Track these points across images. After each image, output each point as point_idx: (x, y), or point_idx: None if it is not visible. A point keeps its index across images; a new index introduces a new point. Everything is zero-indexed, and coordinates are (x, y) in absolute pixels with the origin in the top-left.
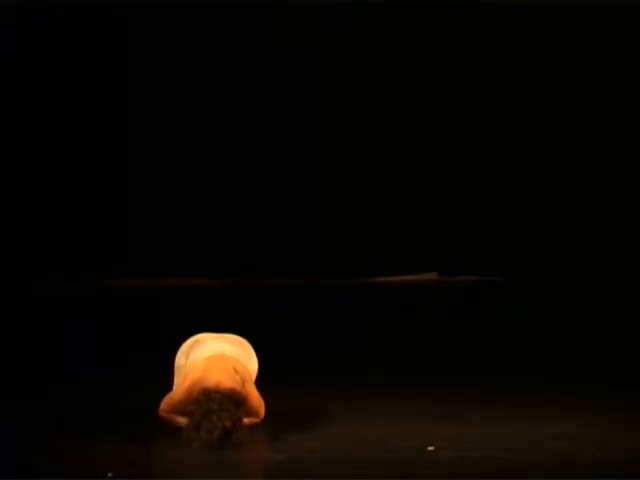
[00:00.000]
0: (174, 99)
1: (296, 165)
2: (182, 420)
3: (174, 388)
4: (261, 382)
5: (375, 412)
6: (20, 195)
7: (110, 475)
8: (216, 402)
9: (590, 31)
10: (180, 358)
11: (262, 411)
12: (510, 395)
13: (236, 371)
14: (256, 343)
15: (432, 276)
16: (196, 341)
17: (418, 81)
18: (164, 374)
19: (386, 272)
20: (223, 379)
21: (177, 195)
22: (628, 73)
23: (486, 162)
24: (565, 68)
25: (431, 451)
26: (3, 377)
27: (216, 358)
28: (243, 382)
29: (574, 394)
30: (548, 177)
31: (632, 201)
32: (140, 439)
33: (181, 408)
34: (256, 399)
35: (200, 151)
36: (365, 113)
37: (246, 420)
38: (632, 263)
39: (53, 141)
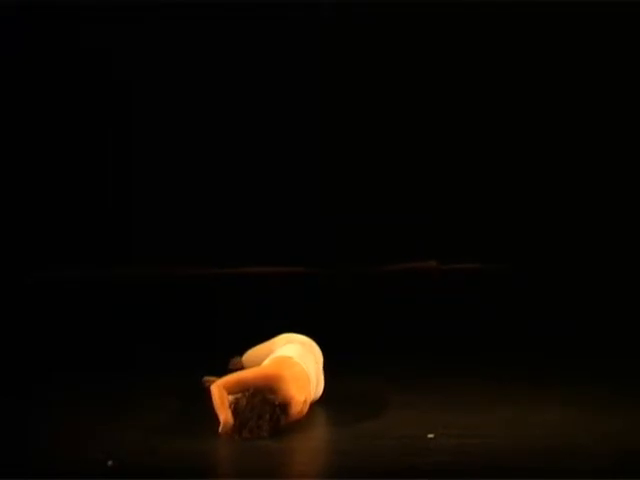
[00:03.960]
0: (174, 95)
1: (296, 157)
2: (225, 412)
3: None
4: None
5: (375, 399)
6: (23, 188)
7: (110, 463)
8: (269, 410)
9: (590, 31)
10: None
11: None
12: (510, 382)
13: (305, 400)
14: (256, 332)
15: (431, 264)
16: (288, 339)
17: (416, 72)
18: (165, 369)
19: (385, 260)
20: (295, 394)
21: (175, 189)
22: (628, 67)
23: (486, 150)
24: (565, 59)
25: (431, 438)
26: (4, 375)
27: (301, 373)
28: (305, 403)
29: (574, 382)
30: (550, 163)
31: (636, 188)
32: (140, 432)
33: (242, 388)
34: (302, 415)
35: (201, 147)
36: (365, 104)
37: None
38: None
39: (53, 135)
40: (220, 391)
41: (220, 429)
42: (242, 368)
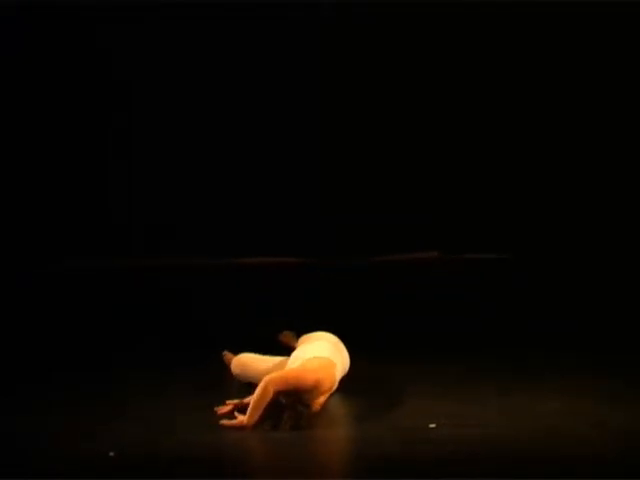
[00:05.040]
0: (174, 95)
1: (297, 154)
2: (256, 415)
3: (292, 368)
4: None
5: (376, 390)
6: (22, 187)
7: (112, 454)
8: (298, 409)
9: (590, 31)
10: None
11: None
12: (510, 372)
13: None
14: (255, 328)
15: (433, 254)
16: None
17: (415, 72)
18: (165, 367)
19: (386, 251)
20: (324, 400)
21: (176, 189)
22: (627, 64)
23: (487, 142)
24: (564, 55)
25: (432, 428)
26: (4, 375)
27: (335, 379)
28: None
29: (574, 371)
30: (551, 153)
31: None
32: (141, 431)
33: (291, 389)
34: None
35: (201, 145)
36: (365, 103)
37: None
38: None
39: (53, 135)
40: (267, 393)
41: (234, 423)
42: (289, 343)
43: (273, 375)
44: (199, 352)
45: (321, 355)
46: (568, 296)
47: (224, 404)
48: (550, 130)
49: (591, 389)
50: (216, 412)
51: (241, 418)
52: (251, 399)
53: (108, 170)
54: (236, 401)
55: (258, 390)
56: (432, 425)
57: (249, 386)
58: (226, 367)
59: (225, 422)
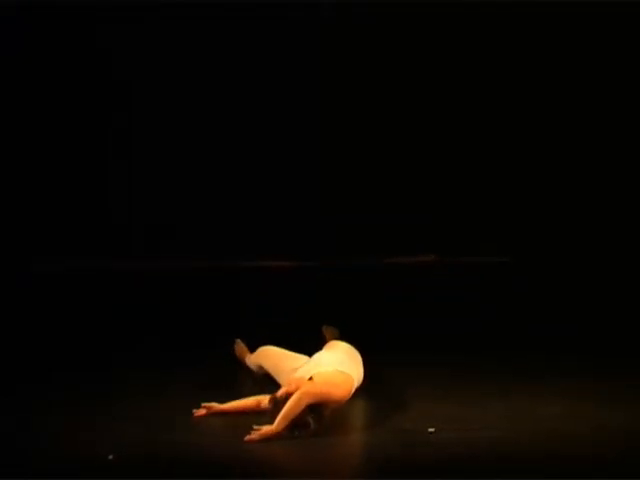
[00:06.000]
0: (174, 95)
1: (297, 156)
2: (283, 425)
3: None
4: None
5: (376, 392)
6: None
7: (111, 457)
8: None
9: (590, 31)
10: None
11: None
12: (511, 375)
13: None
14: (255, 328)
15: (430, 257)
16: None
17: (416, 72)
18: (166, 367)
19: (385, 253)
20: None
21: (176, 189)
22: (628, 64)
23: (487, 142)
24: (564, 58)
25: (432, 432)
26: (4, 375)
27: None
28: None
29: (575, 374)
30: (552, 155)
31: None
32: (141, 432)
33: (318, 402)
34: None
35: (201, 145)
36: (365, 104)
37: None
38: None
39: (53, 135)
40: (301, 404)
41: (261, 435)
42: (330, 339)
43: (307, 388)
44: (199, 352)
45: (341, 369)
46: (568, 299)
47: (200, 407)
48: (549, 134)
49: (592, 392)
50: (193, 414)
51: (265, 429)
52: (231, 405)
53: (108, 170)
54: (213, 404)
55: (291, 402)
56: (431, 429)
57: (260, 387)
58: (234, 358)
59: (251, 437)
